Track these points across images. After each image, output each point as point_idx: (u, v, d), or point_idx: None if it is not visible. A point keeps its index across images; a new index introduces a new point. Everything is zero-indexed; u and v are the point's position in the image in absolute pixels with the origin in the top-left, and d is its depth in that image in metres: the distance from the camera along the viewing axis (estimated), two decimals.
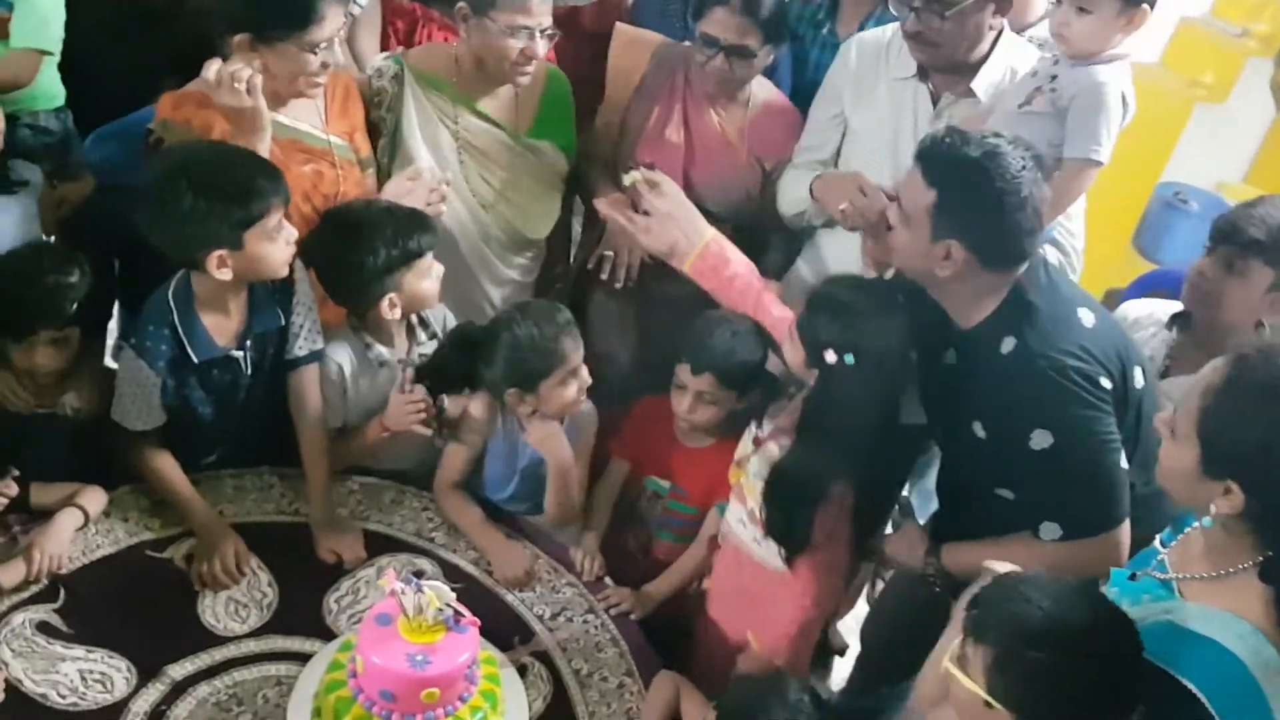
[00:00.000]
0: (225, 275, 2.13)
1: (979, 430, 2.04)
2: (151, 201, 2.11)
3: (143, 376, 2.21)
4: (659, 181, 2.35)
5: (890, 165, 2.55)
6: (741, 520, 2.25)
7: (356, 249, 2.29)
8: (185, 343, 2.20)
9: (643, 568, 2.45)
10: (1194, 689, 1.49)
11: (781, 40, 2.76)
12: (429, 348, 2.49)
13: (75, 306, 2.21)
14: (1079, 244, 2.67)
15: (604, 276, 2.82)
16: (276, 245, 2.16)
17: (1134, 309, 2.52)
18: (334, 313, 2.43)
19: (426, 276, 2.38)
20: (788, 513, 2.11)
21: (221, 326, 2.24)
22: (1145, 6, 2.41)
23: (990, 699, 1.50)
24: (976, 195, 1.93)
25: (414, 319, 2.48)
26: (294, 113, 2.44)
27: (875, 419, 2.04)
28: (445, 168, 2.63)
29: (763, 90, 2.84)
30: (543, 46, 2.57)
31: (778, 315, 2.29)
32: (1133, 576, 1.72)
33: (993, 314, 2.02)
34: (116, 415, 2.24)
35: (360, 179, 2.55)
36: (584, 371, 2.33)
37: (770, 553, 2.19)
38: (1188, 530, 1.72)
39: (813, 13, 2.95)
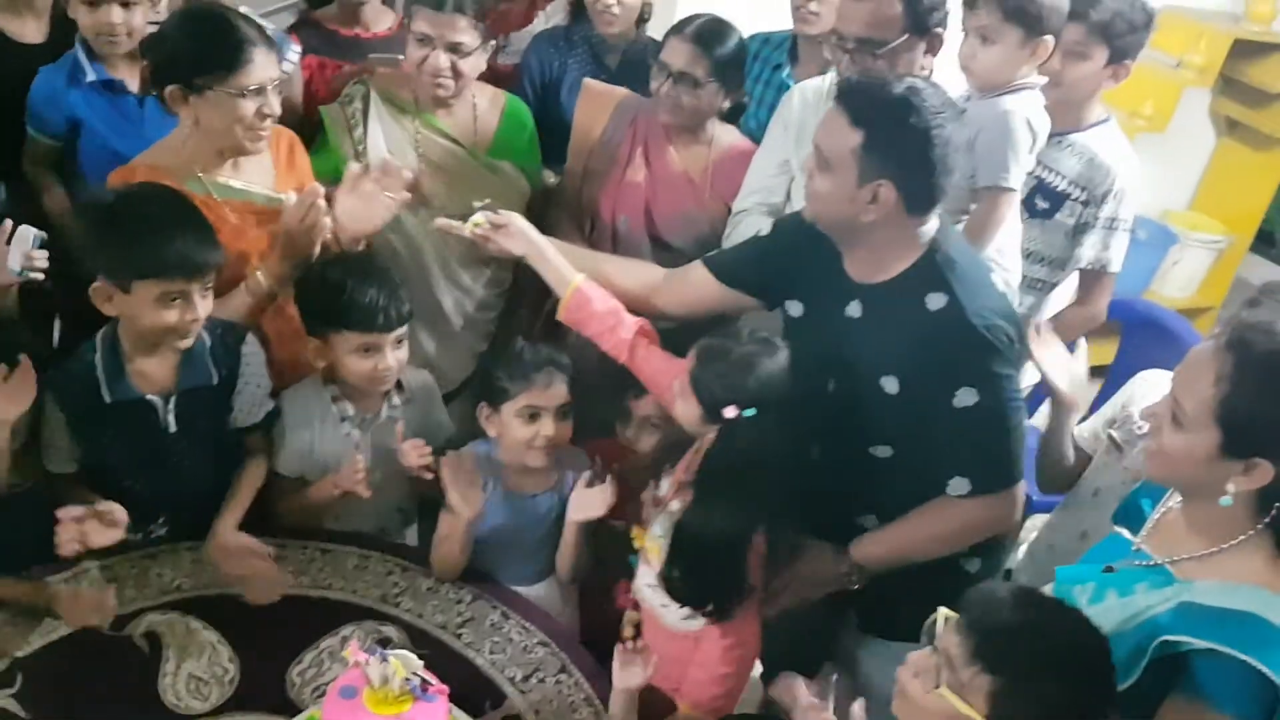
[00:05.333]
0: (110, 310, 2.14)
1: (890, 386, 2.03)
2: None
3: (52, 407, 2.20)
4: (505, 223, 2.36)
5: None
6: (651, 585, 2.14)
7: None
8: (100, 380, 2.18)
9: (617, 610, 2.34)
10: (1256, 663, 1.50)
11: (732, 82, 2.80)
12: (403, 410, 2.46)
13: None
14: (1014, 278, 2.70)
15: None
16: (170, 311, 2.12)
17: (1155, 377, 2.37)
18: (301, 360, 2.39)
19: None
20: (695, 576, 2.03)
21: (147, 374, 2.23)
22: (1049, 38, 2.49)
23: None
24: (905, 132, 1.93)
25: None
26: (245, 176, 2.41)
27: (785, 466, 1.99)
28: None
29: (726, 134, 2.91)
30: (444, 60, 2.58)
31: (658, 367, 2.25)
32: (1108, 569, 1.74)
33: (911, 269, 2.03)
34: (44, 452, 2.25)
35: None
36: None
37: (678, 617, 2.09)
38: (1159, 514, 1.76)
39: (769, 55, 3.02)
